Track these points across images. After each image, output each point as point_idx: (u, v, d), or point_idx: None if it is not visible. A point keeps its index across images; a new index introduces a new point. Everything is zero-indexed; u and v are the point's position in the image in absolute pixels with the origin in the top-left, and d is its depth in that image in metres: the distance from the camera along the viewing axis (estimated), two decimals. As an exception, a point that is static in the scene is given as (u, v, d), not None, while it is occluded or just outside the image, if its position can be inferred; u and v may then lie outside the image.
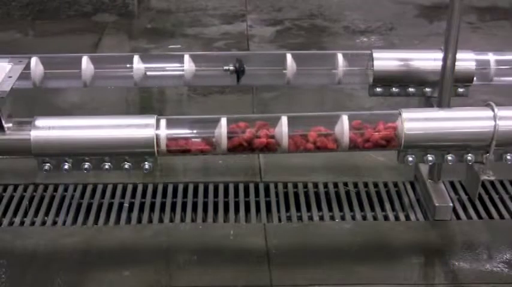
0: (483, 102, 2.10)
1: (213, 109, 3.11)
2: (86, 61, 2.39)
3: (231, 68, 2.37)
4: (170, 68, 2.44)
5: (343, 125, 2.00)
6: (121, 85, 2.66)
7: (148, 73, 2.42)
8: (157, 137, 1.97)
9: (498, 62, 2.47)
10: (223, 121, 1.99)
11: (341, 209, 2.46)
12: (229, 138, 1.98)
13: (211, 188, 2.57)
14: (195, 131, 2.01)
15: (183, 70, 2.40)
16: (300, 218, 2.42)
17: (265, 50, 3.81)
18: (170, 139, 1.98)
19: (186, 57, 2.40)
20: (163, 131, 1.97)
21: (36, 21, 4.32)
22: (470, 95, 2.46)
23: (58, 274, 2.10)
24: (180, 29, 4.19)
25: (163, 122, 1.99)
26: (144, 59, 2.42)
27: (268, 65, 2.47)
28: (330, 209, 2.45)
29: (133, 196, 2.52)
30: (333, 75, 2.43)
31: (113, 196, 2.53)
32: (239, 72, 2.34)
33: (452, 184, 2.58)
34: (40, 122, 1.96)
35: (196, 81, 2.45)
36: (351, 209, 2.46)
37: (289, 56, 2.41)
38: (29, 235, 2.30)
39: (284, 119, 2.00)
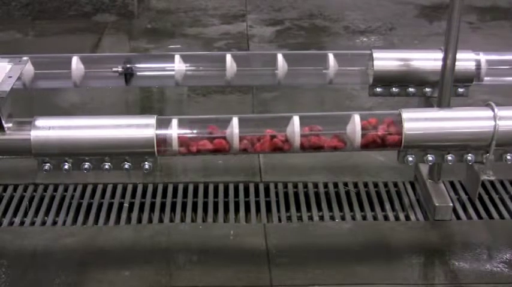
0: (483, 102, 2.10)
1: (213, 109, 3.11)
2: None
3: (120, 69, 2.34)
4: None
5: None
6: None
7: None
8: (292, 134, 1.98)
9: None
10: (357, 118, 2.00)
11: (341, 209, 2.46)
12: (362, 135, 2.00)
13: (211, 188, 2.57)
14: (326, 128, 2.02)
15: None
16: (300, 218, 2.42)
17: (266, 50, 3.82)
18: (302, 136, 1.99)
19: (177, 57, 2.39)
20: (297, 128, 1.98)
21: (36, 21, 4.32)
22: (470, 95, 2.46)
23: (58, 274, 2.10)
24: (180, 29, 4.19)
25: (296, 118, 1.98)
26: (184, 59, 2.41)
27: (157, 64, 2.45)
28: (330, 209, 2.45)
29: (133, 196, 2.52)
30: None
31: (113, 196, 2.53)
32: (127, 74, 2.32)
33: (452, 184, 2.58)
34: (40, 122, 1.96)
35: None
36: (351, 209, 2.46)
37: (177, 57, 2.38)
38: (29, 235, 2.30)
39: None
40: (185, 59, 2.40)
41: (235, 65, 2.39)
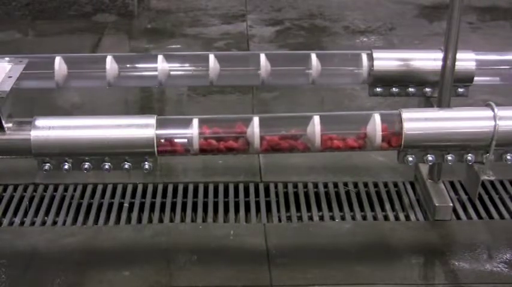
0: (483, 102, 2.10)
1: (213, 109, 3.11)
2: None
3: None
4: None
5: None
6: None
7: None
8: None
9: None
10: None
11: (341, 209, 2.45)
12: None
13: (211, 188, 2.57)
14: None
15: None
16: (300, 218, 2.42)
17: (265, 50, 3.81)
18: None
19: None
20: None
21: (36, 21, 4.32)
22: (470, 95, 2.46)
23: (58, 274, 2.10)
24: (180, 29, 4.19)
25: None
26: (168, 59, 2.41)
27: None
28: (330, 209, 2.45)
29: (133, 196, 2.52)
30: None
31: (113, 196, 2.53)
32: None
33: (452, 184, 2.58)
34: (40, 122, 1.96)
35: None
36: (351, 209, 2.46)
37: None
38: (29, 235, 2.30)
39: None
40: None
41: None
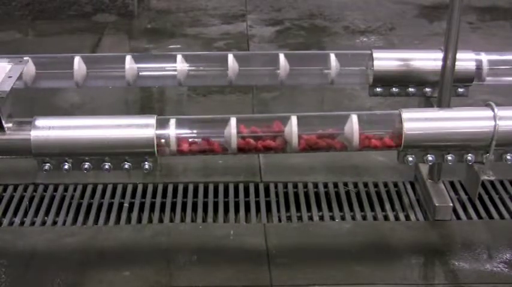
0: (483, 102, 2.10)
1: (213, 109, 3.11)
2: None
3: None
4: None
5: None
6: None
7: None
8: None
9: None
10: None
11: (341, 209, 2.46)
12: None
13: (211, 188, 2.57)
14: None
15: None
16: (300, 218, 2.42)
17: (266, 50, 3.82)
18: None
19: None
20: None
21: (36, 21, 4.32)
22: (470, 95, 2.46)
23: (58, 274, 2.10)
24: (180, 29, 4.19)
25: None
26: (137, 59, 2.42)
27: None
28: (330, 209, 2.45)
29: (133, 196, 2.52)
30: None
31: (113, 196, 2.53)
32: None
33: (452, 184, 2.58)
34: (40, 122, 1.96)
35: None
36: (351, 209, 2.46)
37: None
38: (29, 235, 2.30)
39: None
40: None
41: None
